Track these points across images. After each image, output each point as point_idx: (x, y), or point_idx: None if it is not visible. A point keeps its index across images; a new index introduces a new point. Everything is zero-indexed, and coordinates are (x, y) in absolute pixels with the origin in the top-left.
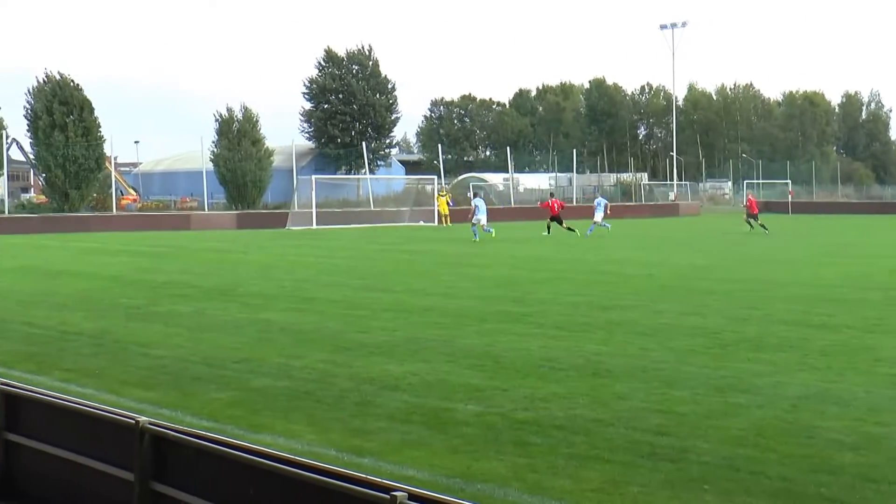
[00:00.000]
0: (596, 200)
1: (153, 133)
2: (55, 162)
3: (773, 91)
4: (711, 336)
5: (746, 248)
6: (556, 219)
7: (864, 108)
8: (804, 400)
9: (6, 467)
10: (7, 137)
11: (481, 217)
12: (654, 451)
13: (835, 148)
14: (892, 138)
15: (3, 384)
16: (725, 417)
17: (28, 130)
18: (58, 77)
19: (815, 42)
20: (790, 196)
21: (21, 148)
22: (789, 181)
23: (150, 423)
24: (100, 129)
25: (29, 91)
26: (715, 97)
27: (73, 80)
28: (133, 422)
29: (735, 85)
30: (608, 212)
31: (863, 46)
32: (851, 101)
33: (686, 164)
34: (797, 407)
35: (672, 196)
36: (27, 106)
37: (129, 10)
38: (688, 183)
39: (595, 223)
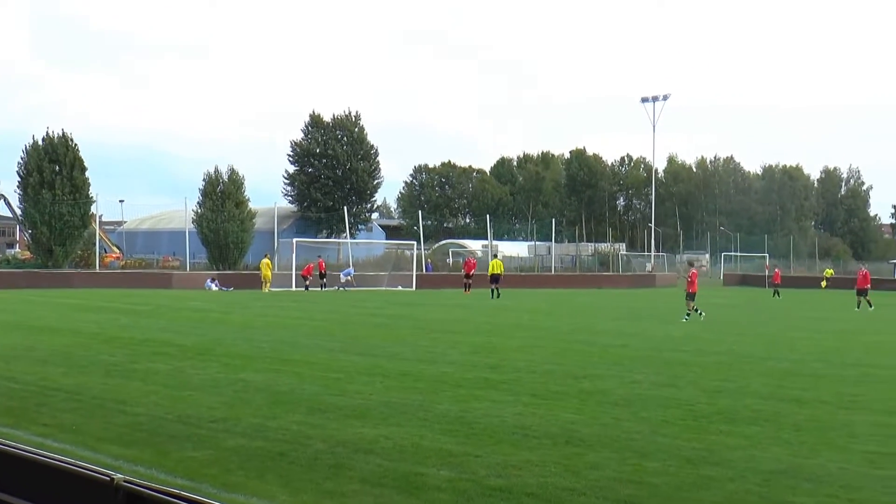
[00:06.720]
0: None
1: (138, 192)
2: (41, 219)
3: (752, 164)
4: (685, 407)
5: (722, 320)
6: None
7: (843, 184)
8: (777, 475)
9: None
10: None
11: (350, 277)
12: None
13: (813, 223)
14: (871, 215)
15: None
16: (697, 490)
17: (18, 187)
18: (57, 134)
19: (796, 117)
20: (767, 270)
21: (8, 204)
22: (767, 255)
23: (125, 481)
24: (89, 188)
25: (24, 148)
26: (695, 169)
27: (70, 138)
28: (108, 478)
29: (715, 157)
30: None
31: (843, 122)
32: (831, 177)
33: (664, 235)
34: (769, 481)
35: (649, 267)
36: (20, 162)
37: (117, 71)
38: (665, 254)
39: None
